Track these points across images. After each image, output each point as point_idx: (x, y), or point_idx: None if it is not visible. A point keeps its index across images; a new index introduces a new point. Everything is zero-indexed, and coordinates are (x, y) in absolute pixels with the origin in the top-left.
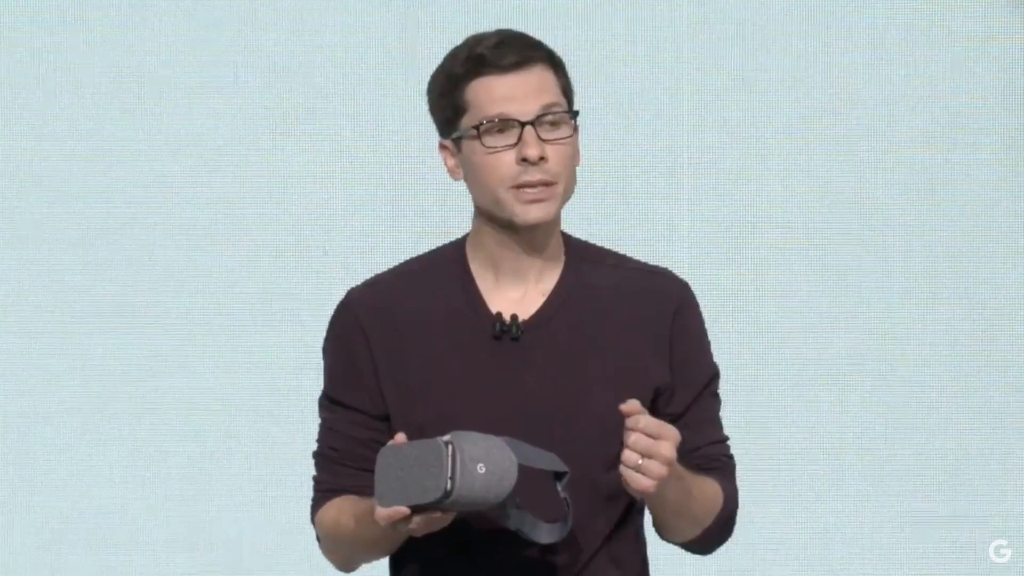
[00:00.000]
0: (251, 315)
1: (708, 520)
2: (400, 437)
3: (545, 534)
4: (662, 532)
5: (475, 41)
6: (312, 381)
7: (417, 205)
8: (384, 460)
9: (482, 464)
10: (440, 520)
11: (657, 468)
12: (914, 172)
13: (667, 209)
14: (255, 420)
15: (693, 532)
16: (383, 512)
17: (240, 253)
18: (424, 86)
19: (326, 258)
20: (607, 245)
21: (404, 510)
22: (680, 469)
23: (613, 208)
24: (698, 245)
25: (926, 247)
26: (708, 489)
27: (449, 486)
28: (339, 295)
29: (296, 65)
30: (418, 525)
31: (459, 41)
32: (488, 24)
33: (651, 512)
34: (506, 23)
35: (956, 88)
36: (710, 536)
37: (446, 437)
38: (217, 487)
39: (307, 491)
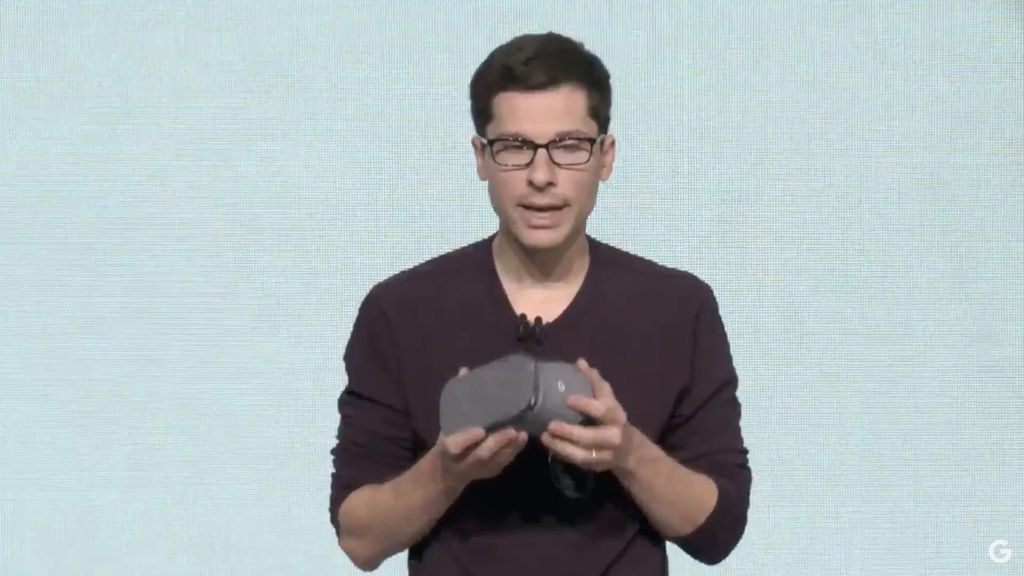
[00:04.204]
0: (250, 316)
1: (699, 517)
2: (464, 369)
3: (567, 488)
4: (655, 525)
5: (514, 49)
6: (311, 382)
7: (417, 205)
8: (452, 390)
9: (562, 382)
10: (511, 448)
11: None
12: (914, 172)
13: (667, 209)
14: (254, 422)
15: (683, 528)
16: (457, 437)
17: (239, 254)
18: (423, 86)
19: (325, 259)
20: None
21: (479, 432)
22: (657, 452)
23: (613, 209)
24: (698, 246)
25: (926, 248)
26: (697, 484)
27: (533, 399)
28: (338, 296)
29: (296, 66)
30: (490, 450)
31: (457, 41)
32: (488, 26)
33: (633, 496)
34: (505, 24)
35: (956, 89)
36: (704, 536)
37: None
38: (217, 489)
39: (307, 493)
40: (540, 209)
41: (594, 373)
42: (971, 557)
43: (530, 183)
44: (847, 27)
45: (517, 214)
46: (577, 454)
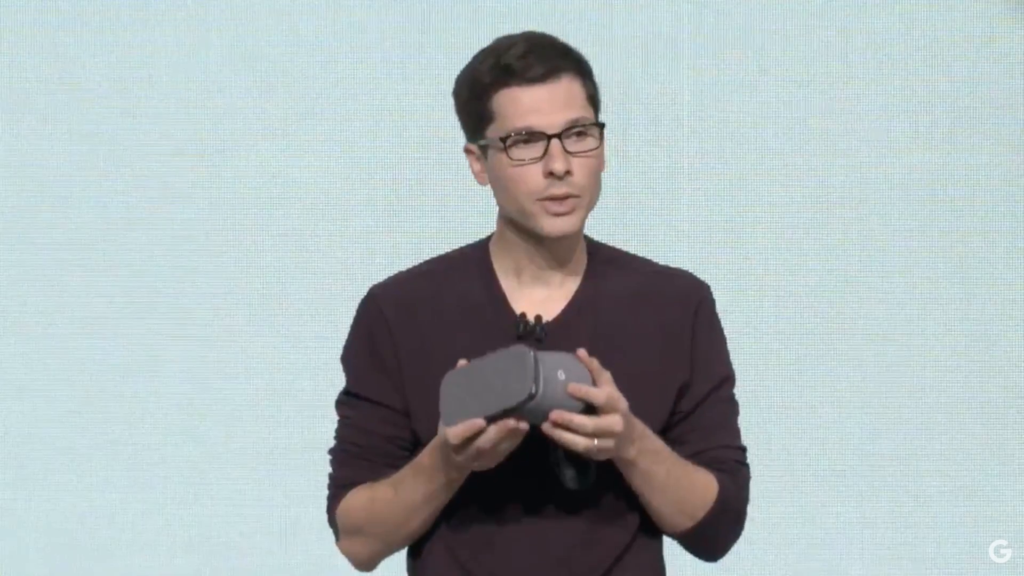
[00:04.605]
0: (250, 317)
1: (699, 511)
2: (463, 361)
3: (569, 478)
4: (655, 520)
5: (503, 48)
6: (311, 382)
7: (417, 206)
8: (452, 381)
9: (562, 371)
10: (511, 438)
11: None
12: (914, 173)
13: (667, 209)
14: (254, 422)
15: (683, 522)
16: (457, 428)
17: (239, 255)
18: (423, 86)
19: (325, 259)
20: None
21: (480, 422)
22: (659, 443)
23: (613, 208)
24: (698, 246)
25: (926, 248)
26: (698, 477)
27: (534, 388)
28: (338, 296)
29: (296, 66)
30: (491, 440)
31: (457, 41)
32: (488, 25)
33: (634, 488)
34: (505, 24)
35: (956, 88)
36: (704, 531)
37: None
38: (216, 489)
39: (307, 493)
40: (560, 199)
41: (594, 362)
42: (971, 557)
43: (550, 174)
44: (847, 27)
45: (536, 207)
46: (579, 442)
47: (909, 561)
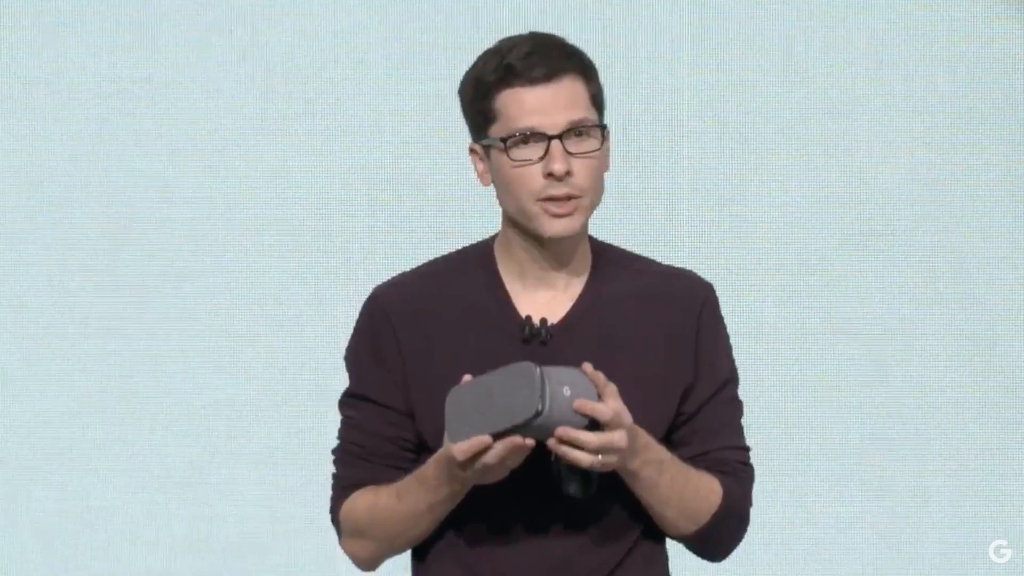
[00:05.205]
0: (251, 316)
1: (703, 517)
2: (468, 376)
3: (571, 489)
4: (659, 525)
5: (507, 48)
6: (312, 382)
7: (417, 206)
8: (457, 397)
9: (567, 387)
10: (517, 454)
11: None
12: (914, 173)
13: (667, 209)
14: (255, 421)
15: (687, 527)
16: (463, 445)
17: (240, 254)
18: (423, 86)
19: (326, 259)
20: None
21: (486, 439)
22: (662, 453)
23: (613, 208)
24: (698, 245)
25: (926, 248)
26: (701, 483)
27: (540, 405)
28: (338, 296)
29: (296, 66)
30: (497, 456)
31: (458, 41)
32: (489, 25)
33: (637, 497)
34: (505, 23)
35: (956, 88)
36: (708, 535)
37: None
38: (218, 489)
39: (307, 493)
40: (559, 200)
41: (600, 376)
42: (971, 557)
43: (549, 174)
44: (847, 27)
45: (537, 208)
46: (583, 459)
47: (909, 561)
